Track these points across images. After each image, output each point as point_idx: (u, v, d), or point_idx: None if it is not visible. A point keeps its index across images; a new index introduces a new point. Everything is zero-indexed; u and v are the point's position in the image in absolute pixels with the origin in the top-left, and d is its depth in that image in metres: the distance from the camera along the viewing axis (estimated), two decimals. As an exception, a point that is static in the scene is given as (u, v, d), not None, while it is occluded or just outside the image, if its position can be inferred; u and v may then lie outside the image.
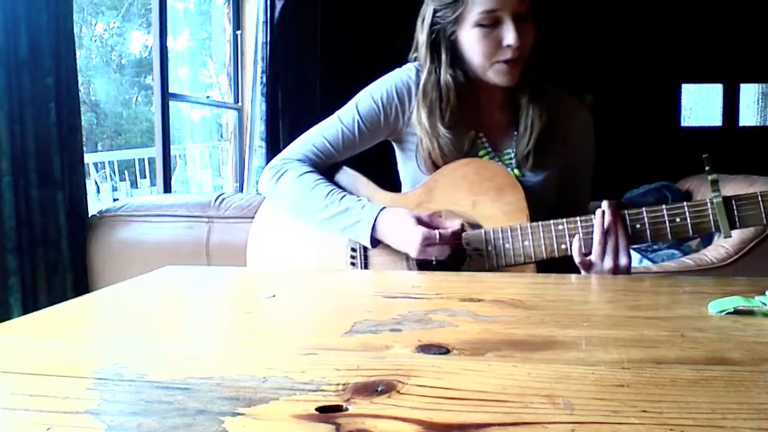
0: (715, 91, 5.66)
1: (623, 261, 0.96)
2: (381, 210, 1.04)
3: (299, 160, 1.15)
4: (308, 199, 1.10)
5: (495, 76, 1.06)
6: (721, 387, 0.42)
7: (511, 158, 1.12)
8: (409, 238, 1.00)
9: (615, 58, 5.23)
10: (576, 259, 0.96)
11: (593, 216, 0.97)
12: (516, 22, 1.01)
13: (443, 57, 1.08)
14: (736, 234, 1.92)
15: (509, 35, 1.01)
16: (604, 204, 0.96)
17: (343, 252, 1.11)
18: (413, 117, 1.11)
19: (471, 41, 1.05)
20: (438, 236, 0.98)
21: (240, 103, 3.59)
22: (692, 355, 0.49)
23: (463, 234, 1.03)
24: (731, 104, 5.63)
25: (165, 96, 2.76)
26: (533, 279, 0.89)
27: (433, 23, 1.08)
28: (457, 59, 1.09)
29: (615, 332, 0.56)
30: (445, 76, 1.08)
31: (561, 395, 0.40)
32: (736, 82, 5.58)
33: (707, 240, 2.37)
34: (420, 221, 1.01)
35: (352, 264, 1.10)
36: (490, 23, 1.02)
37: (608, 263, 0.95)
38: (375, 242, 1.05)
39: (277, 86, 3.27)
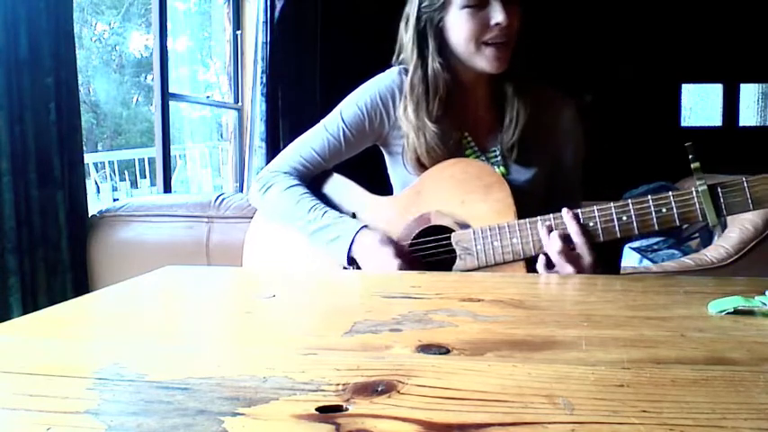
0: (715, 91, 5.66)
1: (586, 262, 0.95)
2: (361, 228, 1.05)
3: (285, 173, 1.16)
4: (292, 213, 1.11)
5: (482, 60, 1.06)
6: (721, 387, 0.42)
7: (497, 156, 1.12)
8: (387, 265, 1.01)
9: (615, 58, 5.23)
10: (543, 273, 0.97)
11: (579, 211, 0.96)
12: (503, 3, 1.02)
13: (431, 45, 1.08)
14: (736, 234, 1.92)
15: (497, 14, 1.02)
16: (564, 212, 0.95)
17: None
18: (399, 113, 1.11)
19: (459, 23, 1.05)
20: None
21: (240, 103, 3.59)
22: (692, 355, 0.49)
23: (452, 234, 1.03)
24: (731, 104, 5.64)
25: (165, 96, 2.76)
26: (533, 279, 0.89)
27: (419, 16, 1.08)
28: (444, 50, 1.09)
29: (615, 332, 0.56)
30: (434, 64, 1.08)
31: (561, 395, 0.40)
32: (736, 82, 5.58)
33: (707, 240, 2.38)
34: (400, 253, 1.02)
35: (345, 267, 1.10)
36: (478, 4, 1.03)
37: (569, 269, 0.95)
38: (352, 260, 1.06)
39: (277, 86, 3.27)
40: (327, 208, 1.10)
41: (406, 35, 1.11)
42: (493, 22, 1.02)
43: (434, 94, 1.08)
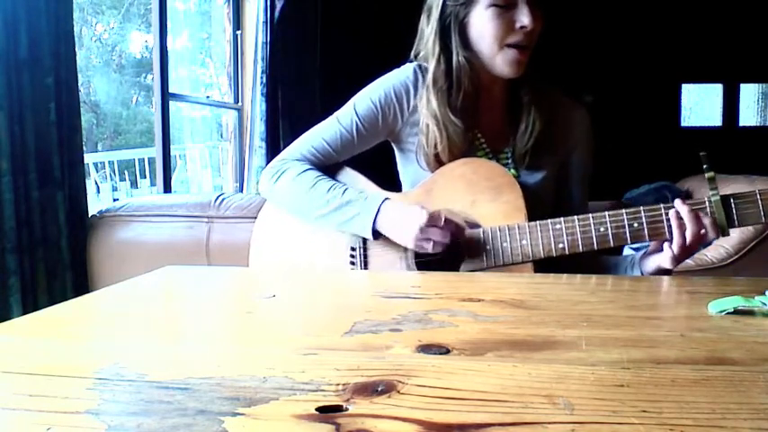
0: (715, 91, 5.67)
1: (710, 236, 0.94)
2: (384, 200, 1.05)
3: (297, 160, 1.15)
4: (309, 195, 1.10)
5: (503, 62, 1.05)
6: (721, 387, 0.42)
7: (508, 158, 1.12)
8: (413, 220, 0.99)
9: (615, 58, 5.23)
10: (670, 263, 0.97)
11: (590, 215, 0.97)
12: (530, 6, 1.02)
13: (455, 41, 1.08)
14: (736, 234, 1.92)
15: (523, 17, 1.02)
16: (679, 204, 0.94)
17: (343, 251, 1.11)
18: (420, 106, 1.10)
19: (484, 22, 1.04)
20: (443, 218, 0.99)
21: (240, 103, 3.59)
22: (692, 355, 0.49)
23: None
24: (731, 104, 5.64)
25: (165, 96, 2.76)
26: (533, 279, 0.89)
27: (443, 10, 1.08)
28: (467, 46, 1.09)
29: (615, 332, 0.56)
30: (459, 58, 1.08)
31: (561, 395, 0.40)
32: (736, 82, 5.58)
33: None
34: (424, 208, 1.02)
35: (352, 263, 1.10)
36: (505, 4, 1.03)
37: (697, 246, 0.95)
38: (376, 234, 1.05)
39: (277, 86, 3.27)
40: (346, 186, 1.09)
41: (428, 28, 1.11)
42: (518, 25, 1.02)
43: (458, 89, 1.08)
